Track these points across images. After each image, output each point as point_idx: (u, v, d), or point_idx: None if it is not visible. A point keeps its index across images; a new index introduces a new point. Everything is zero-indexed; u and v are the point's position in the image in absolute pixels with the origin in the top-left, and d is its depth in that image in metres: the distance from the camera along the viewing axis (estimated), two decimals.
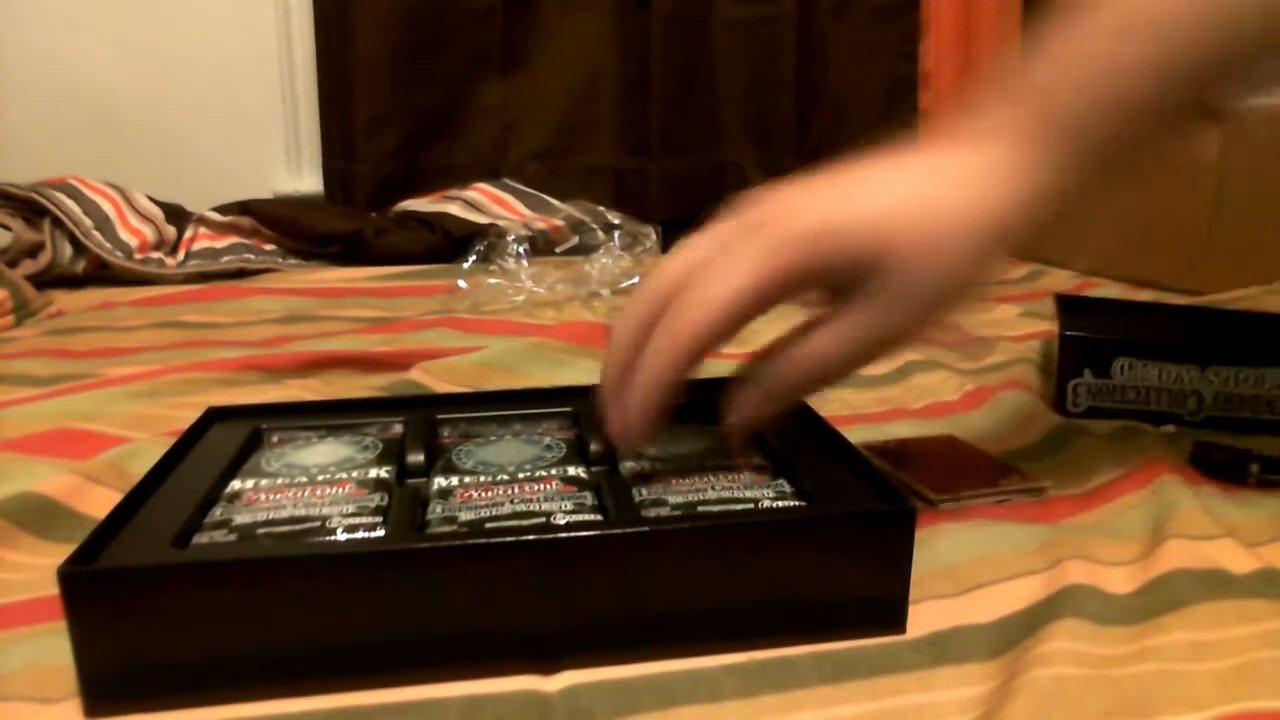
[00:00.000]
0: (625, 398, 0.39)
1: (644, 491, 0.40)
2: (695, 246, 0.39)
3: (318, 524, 0.37)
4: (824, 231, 0.37)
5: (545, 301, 0.92)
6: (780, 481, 0.41)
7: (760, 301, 0.37)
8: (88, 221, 1.07)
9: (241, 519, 0.38)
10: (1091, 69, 0.39)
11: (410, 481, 0.42)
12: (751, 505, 0.39)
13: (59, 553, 0.41)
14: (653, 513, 0.38)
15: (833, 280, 0.39)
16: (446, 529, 0.37)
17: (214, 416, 0.48)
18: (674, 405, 0.39)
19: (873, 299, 0.38)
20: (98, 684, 0.34)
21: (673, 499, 0.39)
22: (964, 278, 0.39)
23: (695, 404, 0.44)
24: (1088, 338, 0.62)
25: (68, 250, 1.06)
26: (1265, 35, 0.38)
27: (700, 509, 0.39)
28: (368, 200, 1.33)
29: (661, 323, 0.38)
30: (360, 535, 0.37)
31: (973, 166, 0.39)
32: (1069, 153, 0.39)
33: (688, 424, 0.46)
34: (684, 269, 0.38)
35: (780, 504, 0.39)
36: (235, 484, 0.41)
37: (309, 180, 1.39)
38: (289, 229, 1.14)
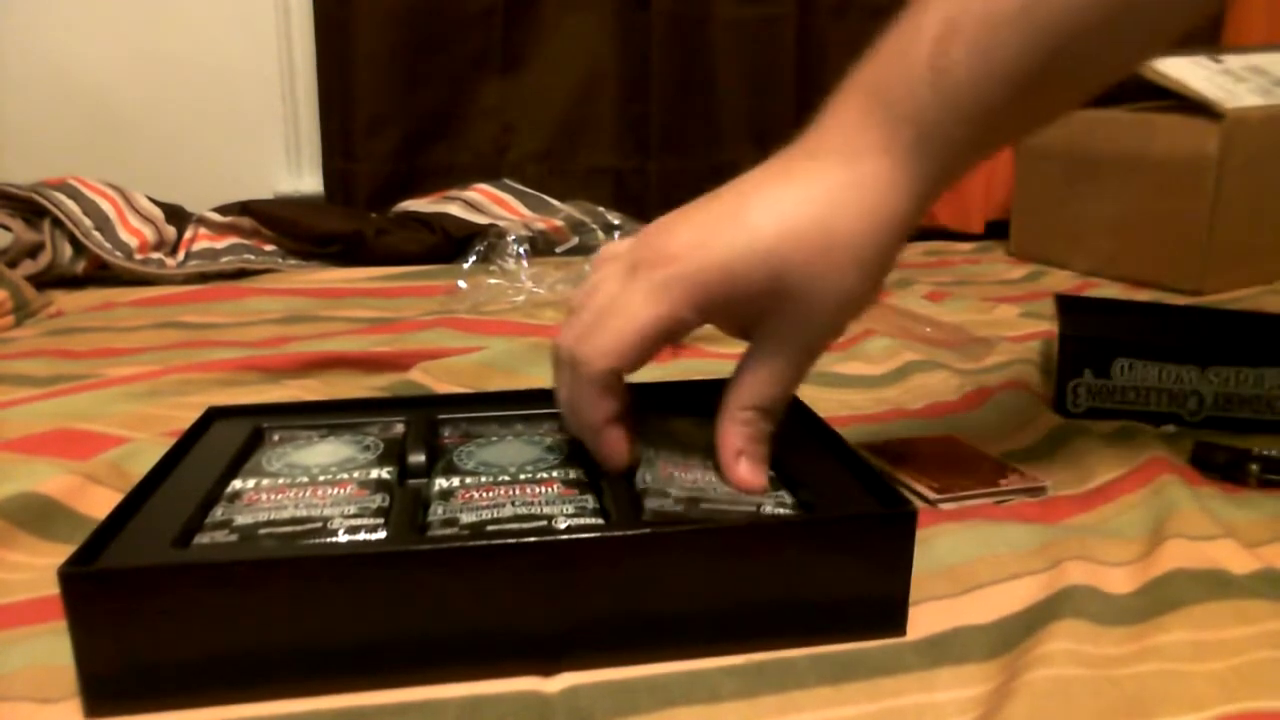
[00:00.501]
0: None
1: (648, 478, 0.40)
2: (593, 288, 0.40)
3: (319, 525, 0.37)
4: (720, 269, 0.38)
5: (545, 302, 0.92)
6: (781, 493, 0.41)
7: (657, 344, 0.39)
8: (88, 222, 1.07)
9: (243, 519, 0.38)
10: (953, 81, 0.38)
11: (411, 482, 0.42)
12: (752, 509, 0.39)
13: (59, 553, 0.41)
14: (656, 503, 0.38)
15: (733, 313, 0.40)
16: (448, 531, 0.37)
17: (214, 416, 0.48)
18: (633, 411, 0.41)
19: (781, 328, 0.39)
20: (98, 684, 0.34)
21: (675, 491, 0.39)
22: (862, 291, 0.40)
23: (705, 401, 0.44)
24: (1088, 338, 0.62)
25: (68, 250, 1.06)
26: (1106, 28, 0.38)
27: (703, 505, 0.39)
28: (368, 200, 1.33)
29: (569, 376, 0.40)
30: (361, 537, 0.37)
31: (859, 183, 0.39)
32: (938, 167, 0.40)
33: (693, 417, 0.45)
34: (585, 315, 0.40)
35: (780, 511, 0.39)
36: (236, 484, 0.41)
37: (309, 180, 1.39)
38: (289, 229, 1.14)
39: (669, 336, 0.39)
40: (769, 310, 0.39)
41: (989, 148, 0.42)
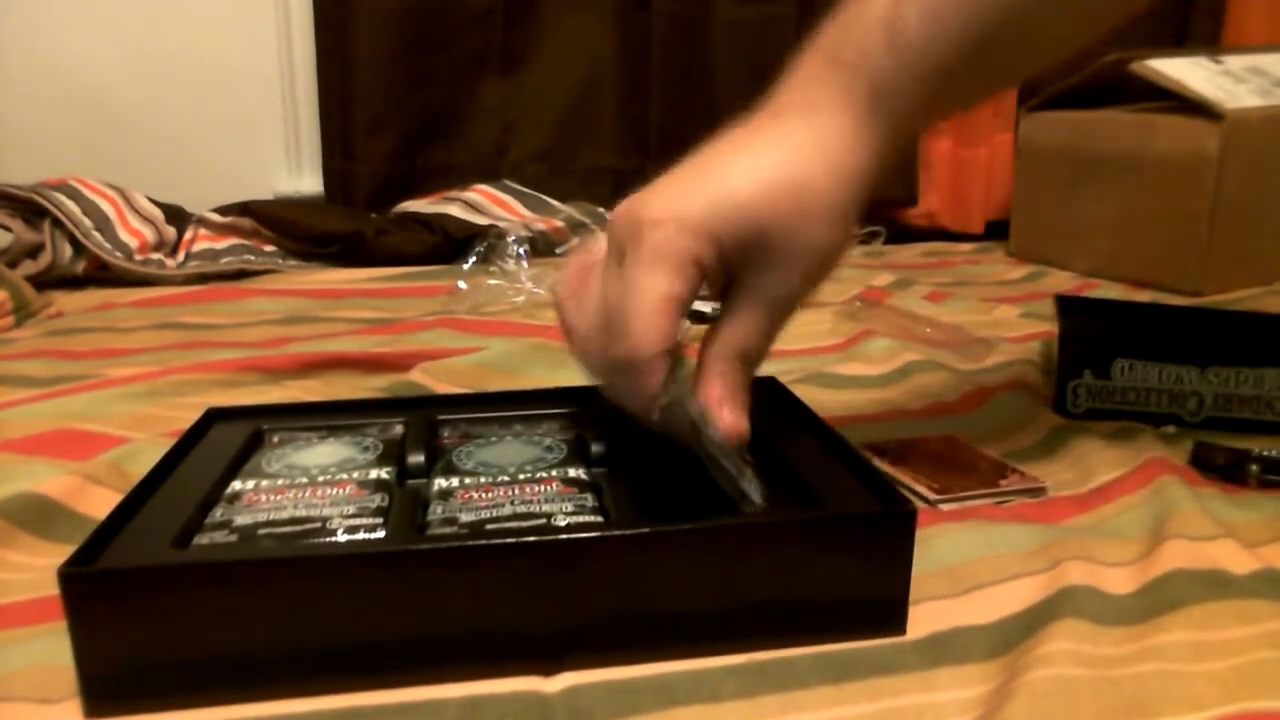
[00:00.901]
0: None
1: (670, 384, 0.39)
2: (591, 302, 0.40)
3: (318, 525, 0.37)
4: (704, 223, 0.38)
5: (545, 302, 0.92)
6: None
7: (680, 308, 0.39)
8: (88, 222, 1.07)
9: (242, 520, 0.38)
10: (905, 42, 0.40)
11: (411, 482, 0.42)
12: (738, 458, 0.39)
13: (59, 553, 0.41)
14: (669, 399, 0.38)
15: (718, 268, 0.40)
16: (447, 530, 0.37)
17: (214, 417, 0.48)
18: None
19: (760, 282, 0.40)
20: (98, 684, 0.34)
21: (691, 406, 0.39)
22: (835, 243, 0.41)
23: None
24: (1087, 338, 0.62)
25: (68, 251, 1.06)
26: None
27: (705, 434, 0.38)
28: (368, 200, 1.33)
29: (612, 360, 0.39)
30: (361, 536, 0.37)
31: (822, 139, 0.40)
32: (893, 123, 0.42)
33: None
34: (598, 302, 0.40)
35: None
36: (236, 484, 0.41)
37: (309, 180, 1.39)
38: (289, 230, 1.14)
39: (687, 299, 0.39)
40: (748, 263, 0.40)
41: (947, 108, 0.44)
